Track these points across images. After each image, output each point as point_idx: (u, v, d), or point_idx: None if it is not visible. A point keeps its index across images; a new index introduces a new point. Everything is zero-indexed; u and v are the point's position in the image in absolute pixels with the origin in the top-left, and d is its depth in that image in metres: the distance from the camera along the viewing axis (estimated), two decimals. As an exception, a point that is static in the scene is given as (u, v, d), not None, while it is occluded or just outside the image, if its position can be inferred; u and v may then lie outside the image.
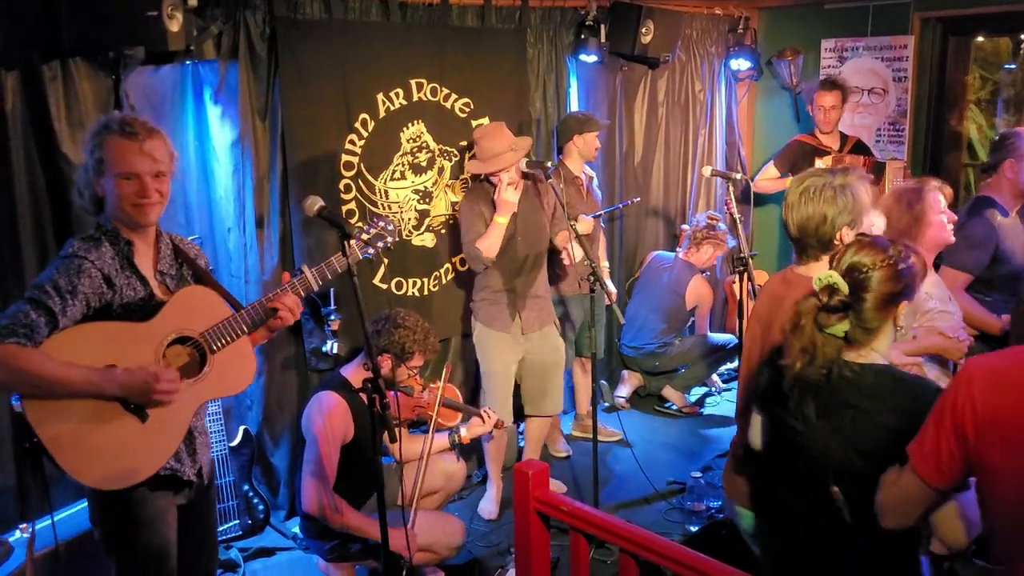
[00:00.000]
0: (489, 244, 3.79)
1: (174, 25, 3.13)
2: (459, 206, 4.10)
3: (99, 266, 2.25)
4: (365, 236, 2.80)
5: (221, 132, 3.67)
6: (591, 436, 3.86)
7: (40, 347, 2.13)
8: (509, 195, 3.75)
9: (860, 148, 5.10)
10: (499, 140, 3.82)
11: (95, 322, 2.25)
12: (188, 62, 3.52)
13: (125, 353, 2.25)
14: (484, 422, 3.75)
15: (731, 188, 3.99)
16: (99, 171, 2.27)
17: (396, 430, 2.42)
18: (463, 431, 3.69)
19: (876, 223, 2.68)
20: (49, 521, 2.99)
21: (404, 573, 3.15)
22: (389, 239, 2.90)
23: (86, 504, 2.80)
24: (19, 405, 2.18)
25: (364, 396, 2.43)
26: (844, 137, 5.15)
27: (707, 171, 4.25)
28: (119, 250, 2.30)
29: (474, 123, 4.35)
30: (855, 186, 2.36)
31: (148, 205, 2.29)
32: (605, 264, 4.82)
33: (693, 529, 3.92)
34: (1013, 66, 5.84)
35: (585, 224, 4.16)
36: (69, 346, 2.18)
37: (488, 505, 4.15)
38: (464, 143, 4.32)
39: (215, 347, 2.39)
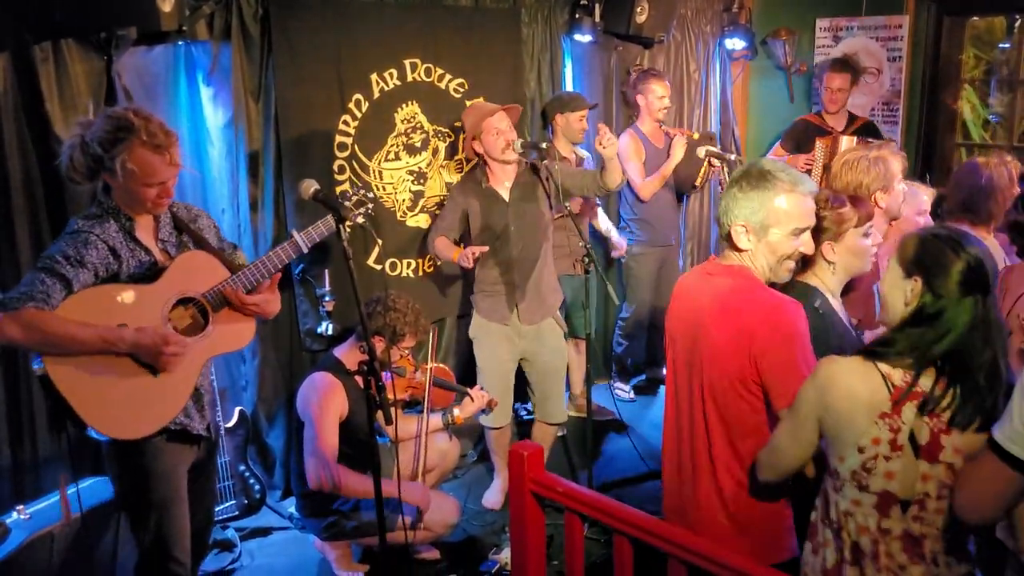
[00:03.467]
0: (437, 254, 3.84)
1: (166, 5, 3.13)
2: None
3: (104, 239, 2.40)
4: (359, 218, 2.93)
5: (214, 113, 3.66)
6: (585, 415, 3.87)
7: (56, 309, 2.29)
8: (464, 262, 3.67)
9: (868, 129, 5.05)
10: (484, 107, 3.84)
11: (104, 285, 2.41)
12: (180, 43, 3.51)
13: (132, 313, 2.42)
14: (475, 401, 3.77)
15: (725, 168, 3.99)
16: (114, 172, 2.37)
17: (392, 411, 2.44)
18: (456, 411, 3.72)
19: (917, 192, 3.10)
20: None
21: (409, 531, 3.26)
22: (370, 205, 3.10)
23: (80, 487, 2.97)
24: (39, 369, 2.33)
25: (360, 379, 2.45)
26: (853, 118, 5.13)
27: (702, 152, 4.25)
28: (121, 225, 2.46)
29: (468, 103, 4.33)
30: (888, 160, 2.82)
31: (166, 201, 2.50)
32: (605, 224, 4.83)
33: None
34: (1008, 45, 5.83)
35: (572, 204, 4.16)
36: (81, 307, 2.34)
37: (493, 496, 4.11)
38: (459, 124, 4.31)
39: (216, 307, 2.56)
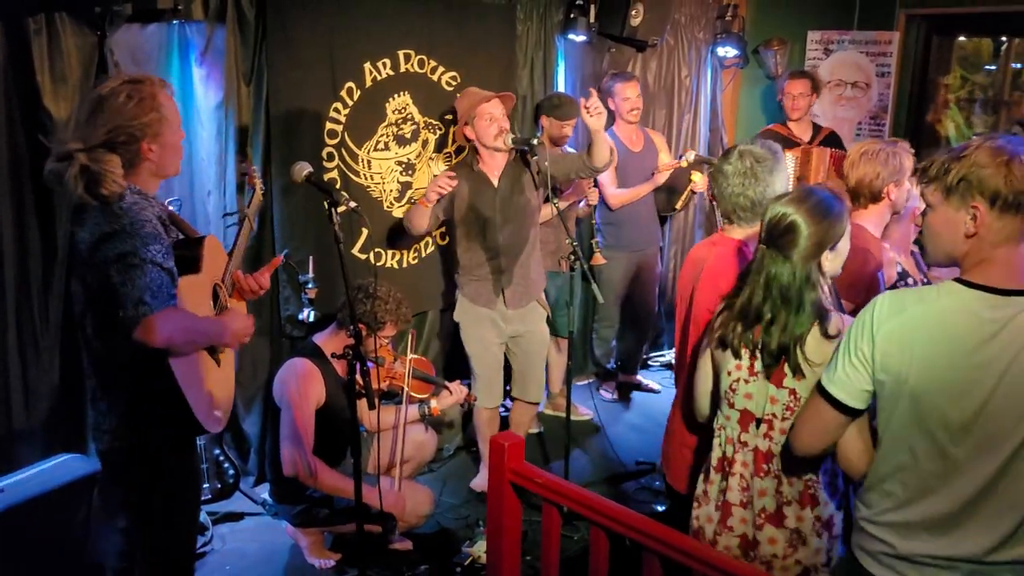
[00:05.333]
0: (410, 221, 3.79)
1: (162, -17, 3.10)
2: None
3: (159, 228, 2.27)
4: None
5: (205, 94, 3.63)
6: (563, 414, 3.88)
7: None
8: (439, 185, 3.63)
9: (832, 140, 5.08)
10: (478, 92, 3.85)
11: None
12: (175, 22, 3.48)
13: (195, 303, 2.35)
14: (453, 394, 3.79)
15: (706, 172, 4.01)
16: (154, 133, 2.27)
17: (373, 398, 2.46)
18: (433, 403, 3.74)
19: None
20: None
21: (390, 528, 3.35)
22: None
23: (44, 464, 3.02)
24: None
25: (344, 363, 2.46)
26: (817, 128, 5.16)
27: (691, 156, 4.28)
28: (154, 210, 2.32)
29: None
30: (903, 155, 2.92)
31: None
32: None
33: (660, 509, 3.99)
34: (993, 67, 5.92)
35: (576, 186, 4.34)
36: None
37: (481, 480, 4.11)
38: (450, 117, 4.31)
39: (230, 292, 2.55)
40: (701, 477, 2.36)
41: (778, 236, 2.09)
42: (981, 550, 1.74)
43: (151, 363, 2.18)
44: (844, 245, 2.21)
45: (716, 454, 2.31)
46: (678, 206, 5.06)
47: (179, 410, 2.24)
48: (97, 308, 2.26)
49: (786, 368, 2.12)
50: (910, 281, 3.05)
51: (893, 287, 3.00)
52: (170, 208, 2.58)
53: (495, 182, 3.82)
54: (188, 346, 2.25)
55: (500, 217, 3.81)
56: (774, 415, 2.17)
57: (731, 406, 2.26)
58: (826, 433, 1.93)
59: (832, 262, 2.19)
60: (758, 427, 2.20)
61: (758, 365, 2.17)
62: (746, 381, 2.21)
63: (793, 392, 2.14)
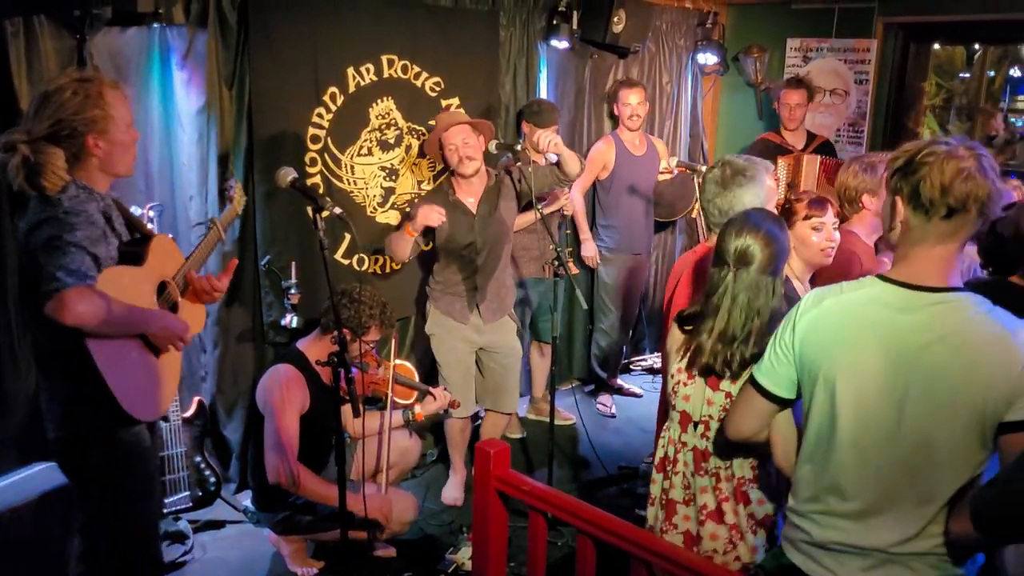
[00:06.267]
0: (393, 250, 3.78)
1: (143, -14, 3.08)
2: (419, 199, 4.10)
3: (96, 220, 2.30)
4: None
5: (187, 99, 3.60)
6: (546, 419, 3.88)
7: None
8: (430, 220, 3.64)
9: (826, 148, 5.14)
10: (445, 120, 3.84)
11: (109, 267, 2.33)
12: (156, 25, 3.45)
13: (134, 295, 2.36)
14: (436, 400, 3.78)
15: (696, 179, 4.04)
16: (100, 129, 2.32)
17: (359, 405, 2.45)
18: (417, 408, 3.73)
19: None
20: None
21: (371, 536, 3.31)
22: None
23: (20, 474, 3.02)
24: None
25: (328, 369, 2.44)
26: (812, 136, 5.21)
27: (674, 161, 4.31)
28: (97, 205, 2.35)
29: (443, 103, 4.33)
30: (881, 166, 2.99)
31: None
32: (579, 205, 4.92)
33: (642, 513, 3.98)
34: (967, 75, 6.01)
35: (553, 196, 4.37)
36: (105, 288, 2.25)
37: (452, 492, 4.14)
38: (433, 122, 4.30)
39: (184, 292, 2.57)
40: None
41: (746, 262, 2.20)
42: (892, 542, 1.77)
43: (69, 345, 2.20)
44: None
45: (659, 454, 2.43)
46: (694, 214, 5.11)
47: (102, 396, 2.26)
48: (30, 297, 2.28)
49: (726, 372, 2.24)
50: None
51: None
52: (128, 208, 2.61)
53: (473, 209, 3.83)
54: (103, 327, 2.19)
55: (479, 242, 3.83)
56: (710, 417, 2.28)
57: (673, 407, 2.37)
58: (755, 419, 2.01)
59: (793, 266, 2.51)
60: (695, 428, 2.31)
61: (696, 369, 2.28)
62: (684, 384, 2.32)
63: (729, 395, 2.24)
